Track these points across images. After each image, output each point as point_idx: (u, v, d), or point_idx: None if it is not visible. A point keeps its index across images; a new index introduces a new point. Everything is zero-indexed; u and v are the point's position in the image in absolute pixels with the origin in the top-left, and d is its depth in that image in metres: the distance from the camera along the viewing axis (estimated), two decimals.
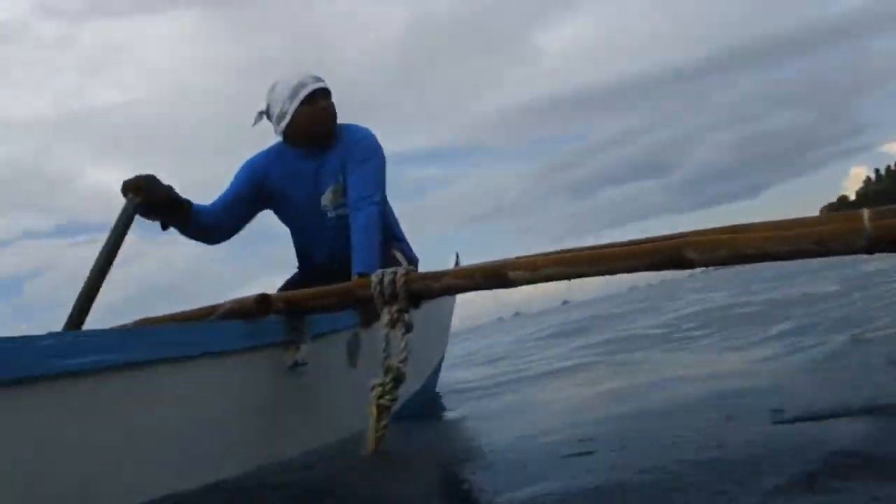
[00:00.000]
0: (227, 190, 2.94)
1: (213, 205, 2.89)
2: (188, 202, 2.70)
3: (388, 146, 2.99)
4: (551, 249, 2.10)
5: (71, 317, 2.34)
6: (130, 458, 1.63)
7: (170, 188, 2.59)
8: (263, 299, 2.10)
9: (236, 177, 2.96)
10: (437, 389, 4.46)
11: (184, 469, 1.78)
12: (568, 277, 1.90)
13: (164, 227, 2.70)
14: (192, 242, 2.83)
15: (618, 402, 2.77)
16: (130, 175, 2.50)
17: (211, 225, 2.85)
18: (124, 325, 2.45)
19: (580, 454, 1.80)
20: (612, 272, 1.86)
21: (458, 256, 4.69)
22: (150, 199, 2.50)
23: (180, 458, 1.77)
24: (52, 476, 1.45)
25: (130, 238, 2.46)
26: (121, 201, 2.48)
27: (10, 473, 1.38)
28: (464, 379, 5.46)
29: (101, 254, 2.38)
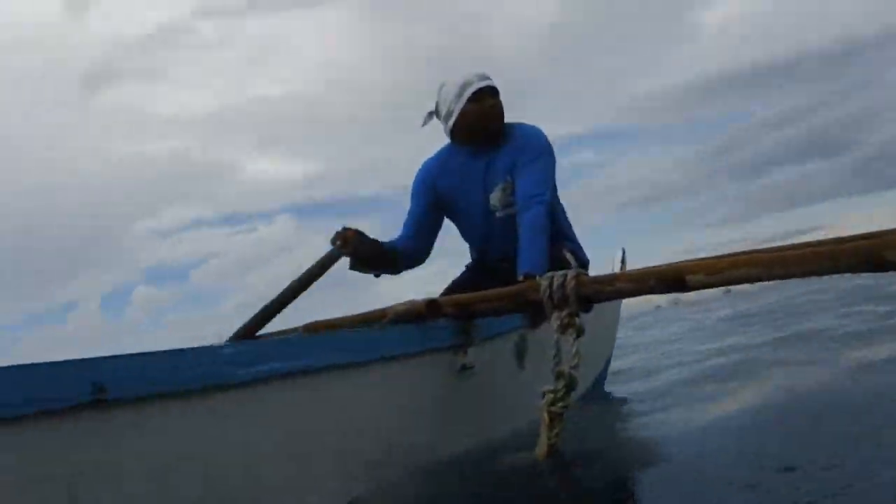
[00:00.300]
0: (411, 210, 3.00)
1: (407, 230, 2.99)
2: (393, 249, 2.85)
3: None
4: (711, 235, 1.98)
5: (244, 327, 2.44)
6: (308, 463, 1.67)
7: (375, 241, 2.73)
8: (433, 303, 2.11)
9: (413, 193, 3.01)
10: (606, 387, 4.34)
11: (358, 472, 1.81)
12: (751, 281, 1.78)
13: (377, 275, 2.89)
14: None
15: (817, 408, 2.57)
16: (287, 165, 2.66)
17: (414, 253, 2.98)
18: (295, 328, 2.52)
19: (771, 475, 1.68)
20: (802, 275, 1.72)
21: (624, 253, 4.54)
22: (355, 253, 2.65)
23: (355, 462, 1.80)
24: (236, 480, 1.50)
25: (290, 223, 2.57)
26: (272, 194, 2.61)
27: (200, 477, 1.44)
28: (633, 375, 5.29)
29: (292, 284, 2.52)
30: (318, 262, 2.58)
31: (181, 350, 1.45)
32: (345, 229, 2.64)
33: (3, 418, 1.16)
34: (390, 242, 2.91)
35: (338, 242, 2.62)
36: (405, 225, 3.00)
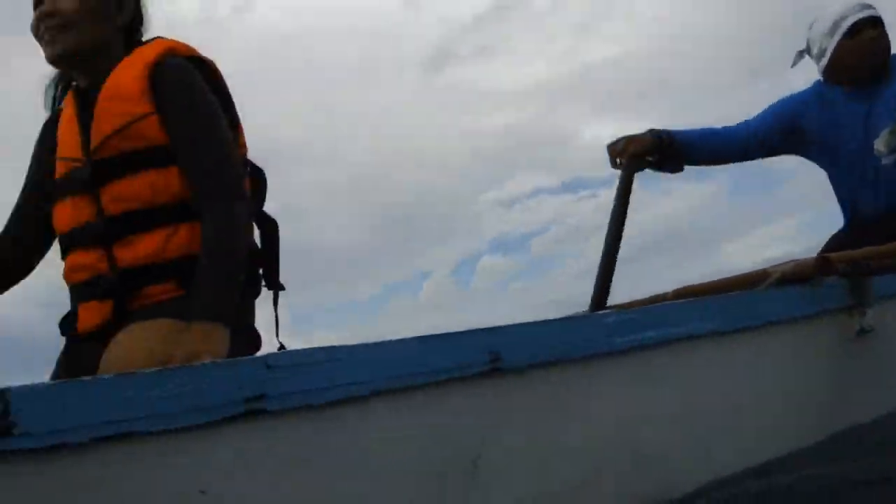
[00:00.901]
0: (754, 121, 2.71)
1: (730, 131, 2.71)
2: (668, 138, 2.58)
3: None
4: None
5: (596, 291, 2.40)
6: (687, 434, 1.61)
7: (654, 136, 2.53)
8: (824, 261, 1.91)
9: (768, 112, 2.71)
10: None
11: (750, 442, 1.72)
12: None
13: (678, 170, 2.67)
14: (685, 192, 2.71)
15: None
16: (624, 127, 2.52)
17: (716, 154, 2.72)
18: (663, 294, 2.44)
19: None
20: None
21: None
22: (635, 159, 2.49)
23: (737, 435, 1.71)
24: (615, 448, 1.48)
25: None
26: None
27: (587, 444, 1.44)
28: None
29: (610, 226, 2.41)
30: (616, 192, 2.45)
31: (569, 318, 1.46)
32: (617, 140, 2.52)
33: (407, 386, 1.22)
34: (683, 132, 2.64)
35: (617, 159, 2.50)
36: (741, 124, 2.72)
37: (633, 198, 2.45)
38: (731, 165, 2.82)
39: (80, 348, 1.53)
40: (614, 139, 2.55)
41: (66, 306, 1.60)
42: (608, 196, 2.47)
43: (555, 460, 1.39)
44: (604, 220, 2.42)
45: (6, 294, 1.67)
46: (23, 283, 1.69)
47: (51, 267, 1.67)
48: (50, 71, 1.70)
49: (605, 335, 1.47)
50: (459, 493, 1.26)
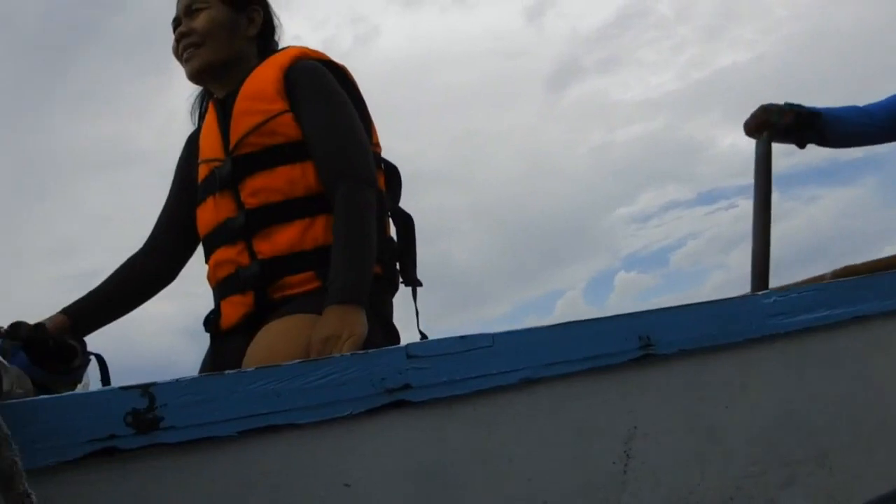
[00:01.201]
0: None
1: (881, 106, 2.45)
2: (808, 115, 2.31)
3: None
4: None
5: (754, 274, 2.26)
6: (869, 421, 1.49)
7: (796, 112, 2.29)
8: None
9: None
10: None
11: None
12: None
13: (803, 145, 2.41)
14: (830, 198, 2.46)
15: None
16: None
17: (865, 131, 2.41)
18: (821, 276, 2.28)
19: None
20: None
21: None
22: (776, 131, 2.28)
23: None
24: (782, 438, 1.38)
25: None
26: (749, 166, 2.31)
27: (742, 435, 1.35)
28: None
29: (755, 203, 2.25)
30: (758, 164, 2.26)
31: (725, 300, 1.37)
32: (755, 112, 2.29)
33: (554, 375, 1.17)
34: (825, 109, 2.35)
35: (761, 133, 2.26)
36: (880, 102, 2.39)
37: (774, 210, 2.26)
38: (877, 167, 2.58)
39: (224, 345, 1.55)
40: (757, 107, 2.37)
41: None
42: (746, 206, 2.27)
43: (711, 450, 1.31)
44: (743, 229, 2.25)
45: (149, 317, 1.74)
46: (166, 312, 1.75)
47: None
48: (195, 90, 1.79)
49: (764, 317, 1.38)
50: (614, 484, 1.20)
